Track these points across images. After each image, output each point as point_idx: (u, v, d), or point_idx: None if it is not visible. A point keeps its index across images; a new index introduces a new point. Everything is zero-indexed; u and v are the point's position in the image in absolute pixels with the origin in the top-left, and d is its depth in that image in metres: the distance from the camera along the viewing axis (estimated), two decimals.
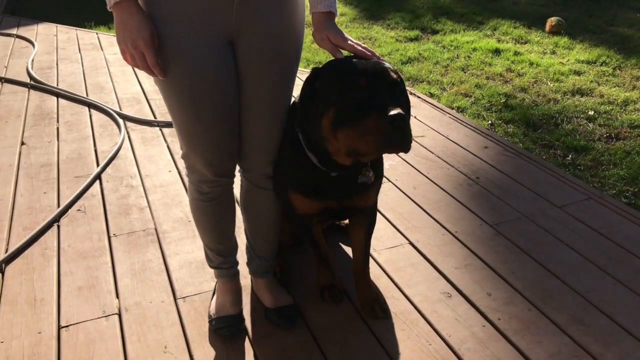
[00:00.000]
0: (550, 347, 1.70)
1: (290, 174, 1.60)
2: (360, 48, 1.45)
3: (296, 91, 1.56)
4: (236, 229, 1.90)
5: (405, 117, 1.29)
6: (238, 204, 1.88)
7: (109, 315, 1.83)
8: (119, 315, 1.83)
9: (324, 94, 1.41)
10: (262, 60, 1.44)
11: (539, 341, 1.72)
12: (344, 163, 1.50)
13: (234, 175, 1.64)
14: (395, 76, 1.40)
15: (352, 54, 1.46)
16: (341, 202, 1.64)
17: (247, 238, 1.82)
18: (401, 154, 2.82)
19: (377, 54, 1.46)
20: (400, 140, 1.31)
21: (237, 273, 1.82)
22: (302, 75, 3.97)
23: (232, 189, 1.69)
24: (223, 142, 1.51)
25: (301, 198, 1.62)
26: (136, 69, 1.40)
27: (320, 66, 1.47)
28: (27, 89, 3.80)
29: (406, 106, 1.46)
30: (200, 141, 1.49)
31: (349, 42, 1.46)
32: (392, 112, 1.27)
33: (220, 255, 1.76)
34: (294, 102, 1.59)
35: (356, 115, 1.34)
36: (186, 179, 1.90)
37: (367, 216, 1.79)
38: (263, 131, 1.54)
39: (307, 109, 1.47)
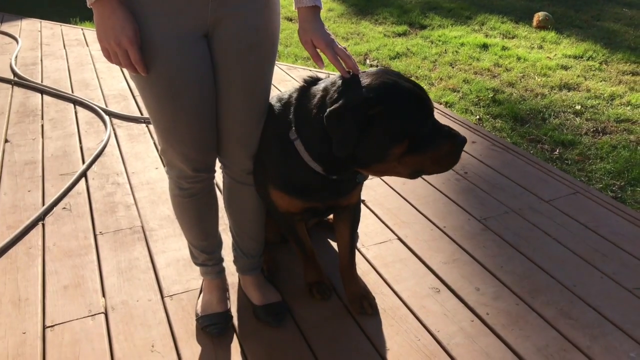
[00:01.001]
0: (538, 341, 1.71)
1: (276, 174, 1.58)
2: (341, 64, 1.44)
3: (284, 87, 1.53)
4: (223, 226, 1.88)
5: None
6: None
7: (95, 315, 1.80)
8: (106, 314, 1.81)
9: (391, 123, 1.39)
10: (238, 51, 1.42)
11: (527, 335, 1.73)
12: (372, 175, 1.54)
13: (213, 171, 1.63)
14: None
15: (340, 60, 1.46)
16: (326, 202, 1.64)
17: (232, 235, 1.81)
18: None
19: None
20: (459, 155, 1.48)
21: (222, 270, 1.81)
22: (290, 71, 3.95)
23: (213, 184, 1.67)
24: (200, 136, 1.49)
25: (284, 196, 1.61)
26: None
27: (363, 88, 1.40)
28: (10, 86, 3.75)
29: None
30: (177, 136, 1.47)
31: (331, 49, 1.44)
32: (461, 137, 1.45)
33: (204, 252, 1.74)
34: (275, 108, 1.56)
35: (430, 141, 1.43)
36: None
37: (351, 212, 1.78)
38: (241, 125, 1.53)
39: (357, 137, 1.38)
